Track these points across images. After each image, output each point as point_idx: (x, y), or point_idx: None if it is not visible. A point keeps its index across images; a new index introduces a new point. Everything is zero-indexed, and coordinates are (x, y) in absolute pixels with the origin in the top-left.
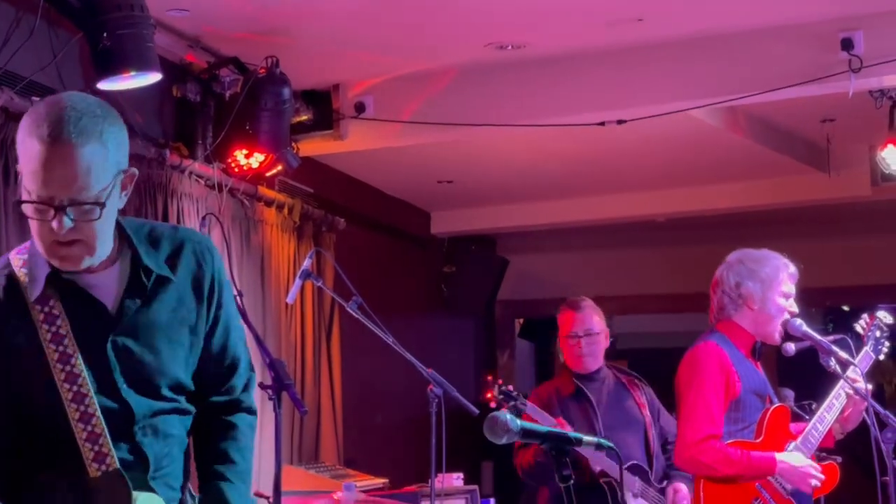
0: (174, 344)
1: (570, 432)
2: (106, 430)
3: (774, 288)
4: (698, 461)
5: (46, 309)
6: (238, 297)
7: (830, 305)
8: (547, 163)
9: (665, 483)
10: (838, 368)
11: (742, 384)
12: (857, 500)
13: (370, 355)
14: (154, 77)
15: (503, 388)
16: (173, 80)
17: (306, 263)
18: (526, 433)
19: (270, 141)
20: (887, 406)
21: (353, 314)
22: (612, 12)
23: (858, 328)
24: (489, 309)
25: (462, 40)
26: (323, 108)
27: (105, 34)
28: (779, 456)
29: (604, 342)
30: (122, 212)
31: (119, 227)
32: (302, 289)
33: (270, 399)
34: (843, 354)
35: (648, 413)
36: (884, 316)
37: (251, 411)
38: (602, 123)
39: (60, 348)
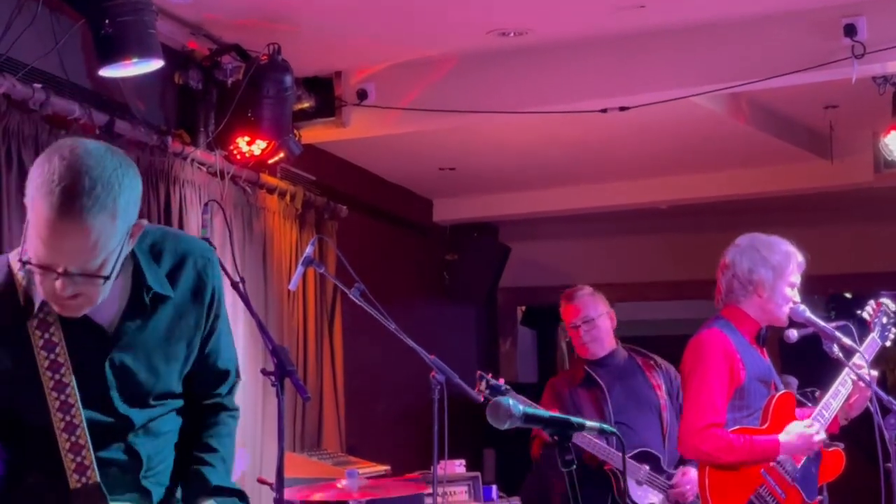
0: (171, 359)
1: (573, 417)
2: (90, 442)
3: (784, 277)
4: (700, 449)
5: (46, 336)
6: (240, 285)
7: (833, 293)
8: (549, 150)
9: (677, 468)
10: (842, 355)
11: (747, 371)
12: (861, 487)
13: (372, 342)
14: (156, 64)
15: (491, 381)
16: (175, 67)
17: (308, 250)
18: (528, 418)
19: (272, 128)
20: (890, 393)
21: (356, 301)
22: None
23: (865, 314)
24: (491, 296)
25: (464, 27)
26: (325, 96)
27: (107, 21)
28: (781, 437)
29: (606, 325)
30: None
31: None
32: (304, 276)
33: (273, 385)
34: (847, 341)
35: (664, 395)
36: (889, 303)
37: (233, 409)
38: (604, 110)
39: (56, 376)
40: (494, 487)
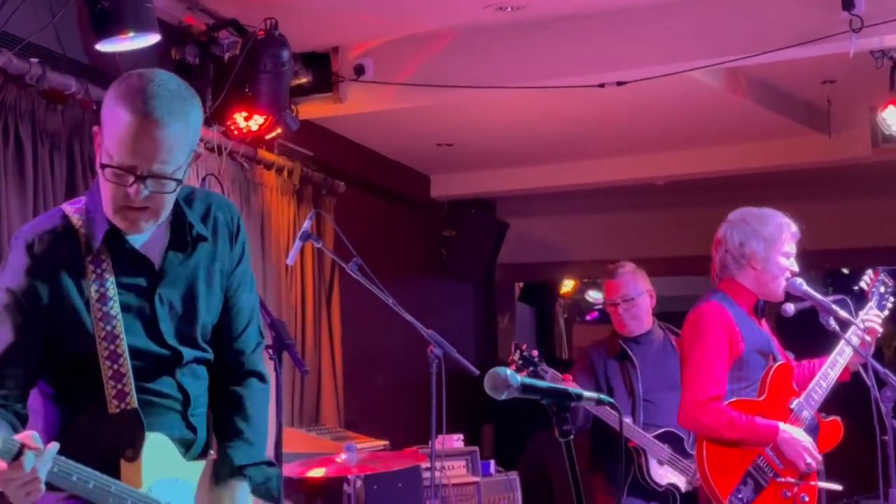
0: (209, 297)
1: (571, 388)
2: (131, 371)
3: (777, 247)
4: (700, 422)
5: (99, 270)
6: None
7: (830, 268)
8: (547, 125)
9: None
10: (838, 328)
11: (746, 342)
12: (857, 461)
13: (370, 318)
14: (152, 39)
15: (525, 353)
16: (172, 42)
17: (306, 225)
18: (526, 389)
19: (270, 103)
20: (887, 369)
21: (353, 275)
22: None
23: (862, 284)
24: (489, 273)
25: (462, 2)
26: (322, 71)
27: None
28: (782, 426)
29: (645, 304)
30: None
31: None
32: (302, 251)
33: (271, 359)
34: (844, 314)
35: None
36: (887, 275)
37: (262, 378)
38: (602, 85)
39: (105, 308)
40: (492, 462)
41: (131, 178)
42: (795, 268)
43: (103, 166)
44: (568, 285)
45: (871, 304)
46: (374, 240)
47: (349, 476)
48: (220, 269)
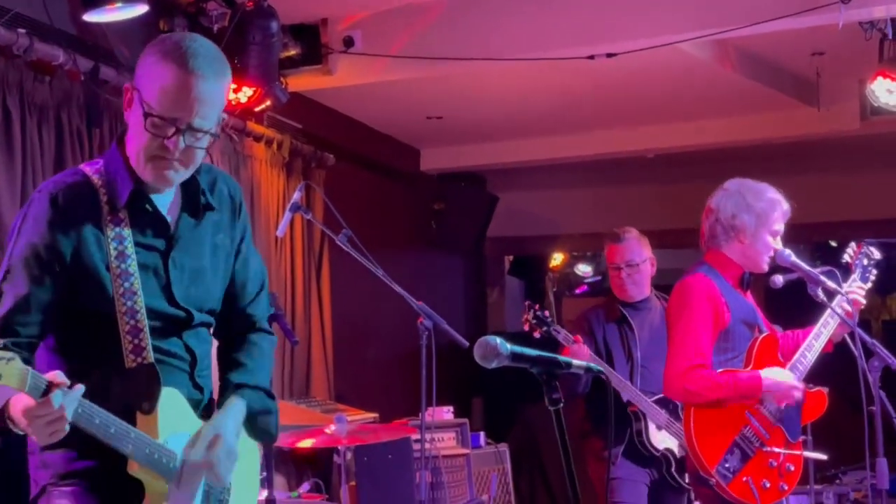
0: (216, 265)
1: (560, 356)
2: (147, 328)
3: (767, 225)
4: (686, 390)
5: (118, 229)
6: None
7: (818, 241)
8: (537, 98)
9: None
10: (826, 299)
11: (731, 314)
12: (843, 433)
13: (360, 290)
14: (140, 9)
15: (538, 312)
16: (160, 13)
17: (296, 196)
18: (516, 357)
19: (259, 75)
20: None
21: (343, 247)
22: None
23: (846, 256)
24: (478, 246)
25: None
26: (311, 43)
27: None
28: (763, 373)
29: (647, 271)
30: None
31: None
32: (291, 223)
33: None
34: (832, 284)
35: None
36: (872, 248)
37: (269, 332)
38: (591, 57)
39: (123, 266)
40: (482, 434)
41: (172, 129)
42: (779, 246)
43: (146, 115)
44: (557, 259)
45: (855, 276)
46: (363, 213)
47: (339, 447)
48: (224, 241)
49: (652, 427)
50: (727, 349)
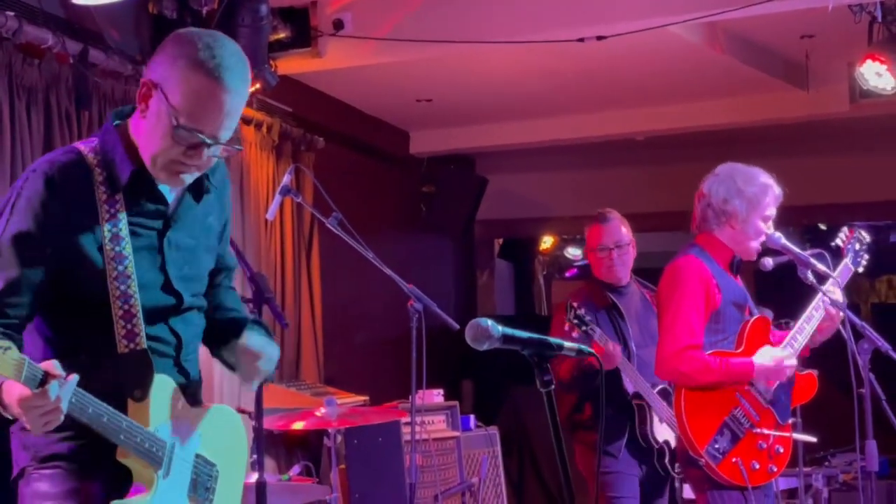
0: (207, 245)
1: (551, 339)
2: (141, 312)
3: (758, 210)
4: (678, 371)
5: (112, 210)
6: None
7: (807, 223)
8: (527, 81)
9: None
10: (816, 281)
11: (722, 295)
12: (833, 415)
13: (350, 273)
14: None
15: (578, 311)
16: None
17: (286, 179)
18: (507, 339)
19: (248, 57)
20: None
21: (333, 230)
22: None
23: (838, 241)
24: (468, 229)
25: None
26: (301, 26)
27: None
28: (756, 359)
29: (632, 253)
30: None
31: None
32: (281, 207)
33: (252, 312)
34: (821, 267)
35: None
36: (862, 231)
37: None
38: (581, 40)
39: (118, 248)
40: (472, 417)
41: (199, 141)
42: (771, 231)
43: (176, 127)
44: (547, 242)
45: (847, 260)
46: (353, 196)
47: (329, 430)
48: (215, 223)
49: (656, 420)
50: (718, 330)
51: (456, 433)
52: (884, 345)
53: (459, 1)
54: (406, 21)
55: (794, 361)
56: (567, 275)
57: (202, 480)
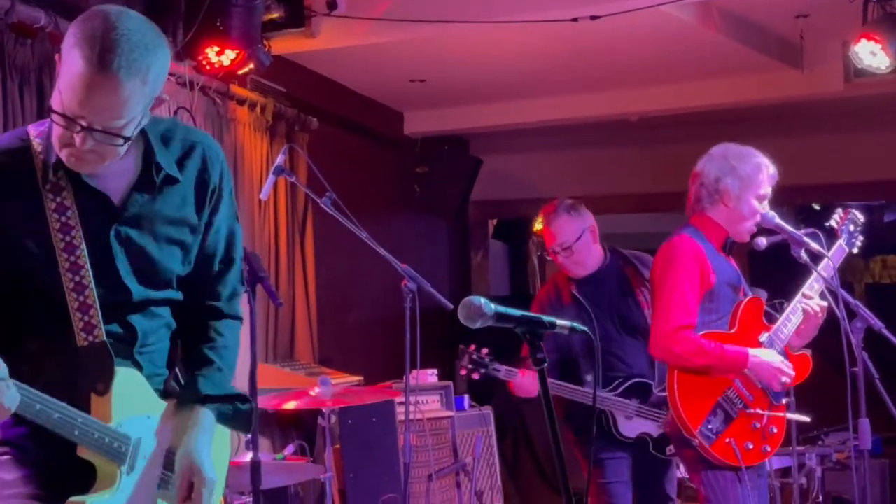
0: (174, 241)
1: (544, 317)
2: (98, 303)
3: (752, 189)
4: (672, 351)
5: (59, 199)
6: None
7: (801, 203)
8: (520, 61)
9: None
10: (809, 260)
11: (716, 275)
12: (827, 395)
13: (344, 254)
14: None
15: (474, 355)
16: None
17: (280, 159)
18: (500, 317)
19: (242, 37)
20: None
21: (327, 209)
22: None
23: (833, 222)
24: (462, 209)
25: None
26: (294, 6)
27: None
28: (752, 351)
29: (586, 245)
30: None
31: None
32: (275, 187)
33: (245, 292)
34: (815, 246)
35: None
36: (856, 211)
37: (236, 317)
38: (575, 19)
39: (67, 238)
40: (466, 397)
41: (77, 128)
42: (766, 210)
43: (51, 110)
44: (541, 222)
45: (841, 241)
46: (347, 177)
47: (324, 410)
48: (189, 215)
49: (621, 419)
50: (712, 310)
51: (450, 413)
52: (877, 323)
53: None
54: (400, 1)
55: (788, 380)
56: None
57: (174, 478)
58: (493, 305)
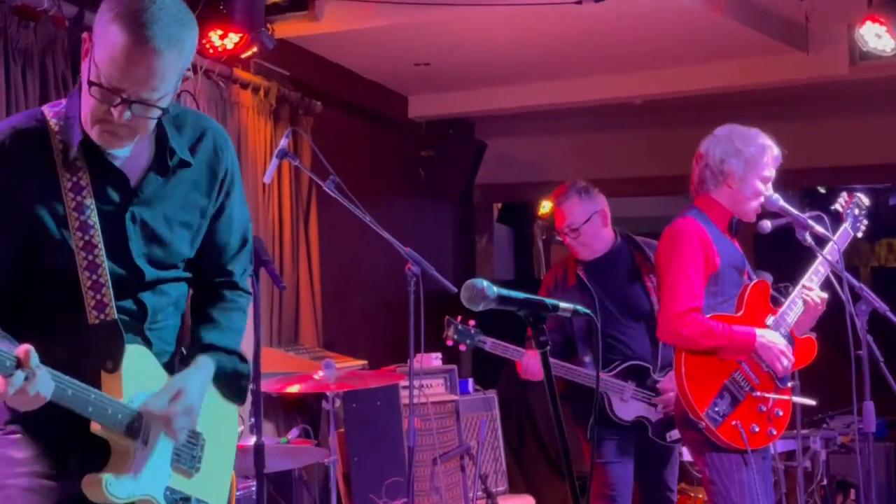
0: (185, 223)
1: (547, 299)
2: (110, 282)
3: (756, 170)
4: (680, 334)
5: (75, 178)
6: None
7: (807, 187)
8: (525, 44)
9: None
10: (814, 243)
11: (721, 258)
12: (832, 378)
13: (348, 238)
14: None
15: (460, 326)
16: None
17: (283, 143)
18: (503, 300)
19: (245, 21)
20: None
21: (330, 193)
22: None
23: (837, 206)
24: (467, 193)
25: None
26: None
27: None
28: (759, 331)
29: (595, 228)
30: None
31: None
32: (279, 170)
33: (249, 276)
34: (820, 229)
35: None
36: (861, 195)
37: (246, 291)
38: (579, 2)
39: (82, 217)
40: (471, 380)
41: (117, 100)
42: (769, 192)
43: (90, 83)
44: (546, 206)
45: (846, 225)
46: (351, 160)
47: (328, 394)
48: (200, 199)
49: (616, 401)
50: (717, 293)
51: (454, 397)
52: (881, 306)
53: None
54: None
55: (787, 365)
56: None
57: (186, 449)
58: (495, 288)
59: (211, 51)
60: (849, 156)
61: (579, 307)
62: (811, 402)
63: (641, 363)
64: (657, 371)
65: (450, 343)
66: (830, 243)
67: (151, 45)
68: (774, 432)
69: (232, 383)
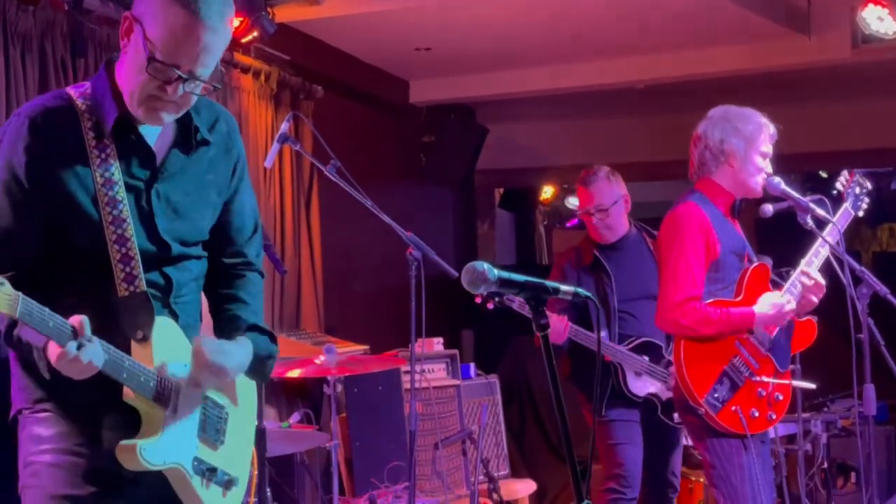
0: (205, 201)
1: (548, 282)
2: (139, 254)
3: (756, 147)
4: (679, 323)
5: (103, 155)
6: None
7: (808, 171)
8: (526, 29)
9: None
10: (815, 226)
11: (722, 244)
12: (832, 362)
13: (350, 223)
14: None
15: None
16: None
17: (284, 127)
18: (503, 283)
19: (245, 5)
20: None
21: (332, 177)
22: None
23: (838, 185)
24: (468, 179)
25: None
26: None
27: None
28: (756, 308)
29: (619, 211)
30: None
31: None
32: (280, 155)
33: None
34: (821, 212)
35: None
36: (862, 176)
37: (261, 273)
38: None
39: (111, 193)
40: (472, 365)
41: (175, 76)
42: (769, 169)
43: (150, 59)
44: (548, 192)
45: (847, 204)
46: (352, 146)
47: (329, 378)
48: (217, 180)
49: (630, 375)
50: (717, 279)
51: (456, 381)
52: (882, 289)
53: None
54: None
55: (793, 306)
56: (568, 224)
57: (212, 421)
58: (496, 271)
59: None
60: (851, 140)
61: (580, 290)
62: (811, 385)
63: (653, 340)
64: (669, 352)
65: (479, 300)
66: (830, 225)
67: (209, 23)
68: (774, 416)
69: (263, 366)
